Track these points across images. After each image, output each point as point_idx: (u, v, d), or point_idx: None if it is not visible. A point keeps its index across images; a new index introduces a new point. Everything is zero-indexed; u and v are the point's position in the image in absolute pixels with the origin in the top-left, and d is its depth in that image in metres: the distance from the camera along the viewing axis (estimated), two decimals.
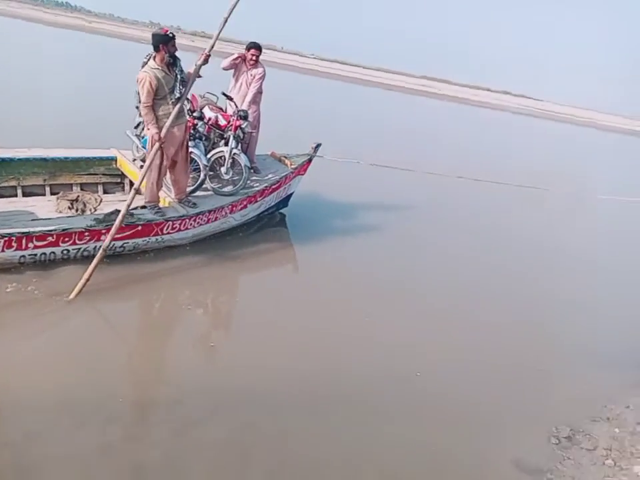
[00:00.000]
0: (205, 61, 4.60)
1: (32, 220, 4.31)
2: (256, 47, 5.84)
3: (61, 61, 20.45)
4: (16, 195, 5.33)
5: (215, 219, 5.30)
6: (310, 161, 6.51)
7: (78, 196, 5.57)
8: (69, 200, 5.44)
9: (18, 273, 4.05)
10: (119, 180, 5.98)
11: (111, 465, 2.67)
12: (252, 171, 6.08)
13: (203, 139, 5.63)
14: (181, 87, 4.61)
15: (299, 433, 3.15)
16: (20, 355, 3.34)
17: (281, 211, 6.74)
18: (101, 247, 4.25)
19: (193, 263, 5.01)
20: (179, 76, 4.60)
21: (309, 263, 5.92)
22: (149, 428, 3.08)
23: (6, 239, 3.89)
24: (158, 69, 4.49)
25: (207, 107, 5.86)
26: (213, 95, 6.04)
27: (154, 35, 4.50)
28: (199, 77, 4.73)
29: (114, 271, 4.47)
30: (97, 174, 5.85)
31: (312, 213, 7.15)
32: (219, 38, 4.52)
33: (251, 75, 5.90)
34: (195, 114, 5.49)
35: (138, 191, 4.51)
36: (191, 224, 5.02)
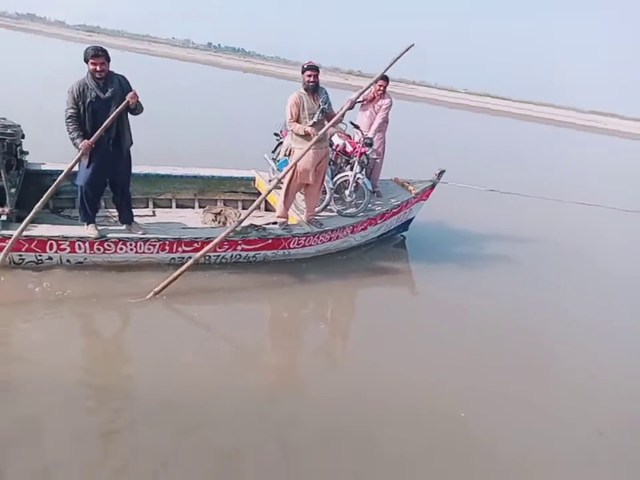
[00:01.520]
0: (351, 107, 4.99)
1: (182, 228, 5.04)
2: (383, 78, 6.19)
3: (227, 97, 23.31)
4: (171, 207, 6.22)
5: (337, 238, 5.69)
6: (433, 186, 6.66)
7: (221, 210, 6.31)
8: (213, 213, 6.19)
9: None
10: (256, 198, 6.65)
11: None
12: (375, 194, 6.42)
13: (331, 163, 6.11)
14: (320, 115, 5.07)
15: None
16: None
17: (401, 234, 6.97)
18: (237, 255, 4.97)
19: (314, 275, 5.42)
20: (322, 106, 5.08)
21: (426, 288, 5.95)
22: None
23: (161, 242, 4.63)
24: (304, 93, 5.06)
25: (336, 135, 6.33)
26: (342, 123, 6.49)
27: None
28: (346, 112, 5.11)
29: (240, 277, 5.04)
30: (237, 192, 6.60)
31: (432, 238, 7.23)
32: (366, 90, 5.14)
33: (379, 104, 6.28)
34: (327, 142, 5.97)
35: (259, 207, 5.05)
36: (314, 241, 5.46)
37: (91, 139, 4.08)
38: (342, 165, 6.26)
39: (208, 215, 6.13)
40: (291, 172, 5.27)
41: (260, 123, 7.08)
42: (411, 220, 6.79)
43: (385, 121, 6.39)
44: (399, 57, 4.84)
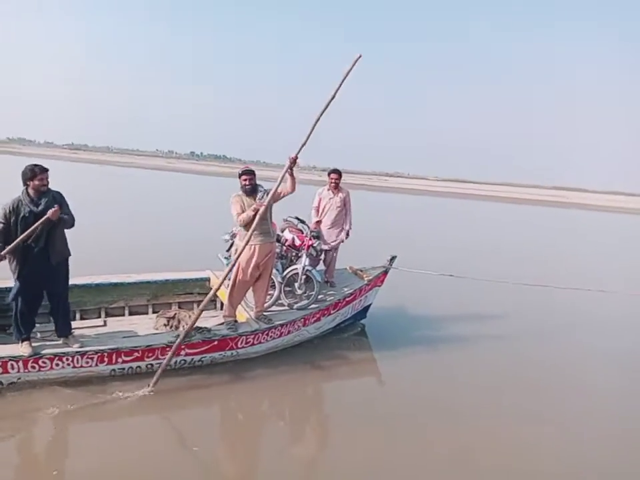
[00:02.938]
0: (293, 162, 4.97)
1: (122, 337, 4.96)
2: (335, 171, 6.56)
3: (193, 202, 24.14)
4: (124, 315, 6.17)
5: (288, 332, 5.62)
6: (386, 273, 6.72)
7: (175, 314, 6.25)
8: (166, 317, 6.12)
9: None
10: (212, 298, 6.63)
11: None
12: (329, 285, 6.47)
13: (282, 258, 6.22)
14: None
15: None
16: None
17: (360, 321, 6.91)
18: (181, 360, 4.88)
19: (273, 371, 5.29)
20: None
21: (391, 378, 5.75)
22: None
23: (99, 354, 4.54)
24: (242, 194, 5.25)
25: (286, 230, 6.48)
26: (294, 219, 6.66)
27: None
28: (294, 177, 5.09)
29: (192, 379, 4.89)
30: (192, 293, 6.58)
31: (392, 323, 7.19)
32: (305, 143, 4.94)
33: (340, 197, 6.52)
34: (275, 237, 6.09)
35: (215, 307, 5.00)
36: (264, 338, 5.38)
37: (4, 251, 4.13)
38: (292, 258, 6.35)
39: (160, 319, 6.06)
40: (235, 269, 5.32)
41: (219, 224, 7.21)
42: (368, 307, 6.78)
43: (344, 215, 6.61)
44: (349, 72, 4.86)
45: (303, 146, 4.97)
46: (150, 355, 4.74)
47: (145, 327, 5.82)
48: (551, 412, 5.05)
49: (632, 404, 5.45)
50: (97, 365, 4.56)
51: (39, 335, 5.04)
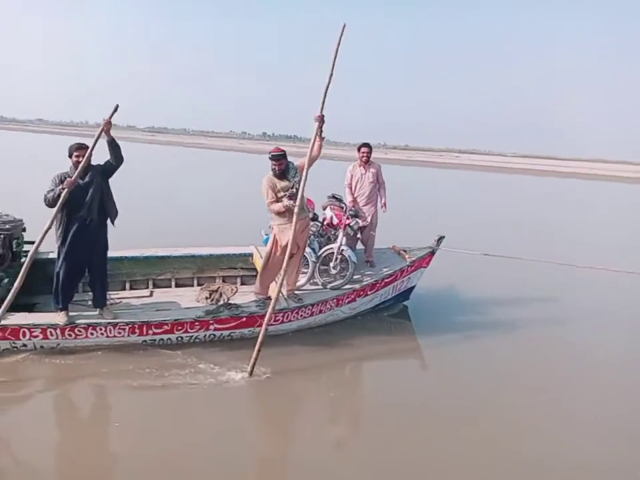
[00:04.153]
0: (321, 121, 4.99)
1: (156, 310, 5.18)
2: (365, 145, 6.41)
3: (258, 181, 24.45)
4: (170, 286, 6.45)
5: (320, 312, 5.58)
6: (432, 253, 6.44)
7: (218, 287, 6.46)
8: (209, 290, 6.33)
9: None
10: (254, 273, 6.75)
11: None
12: (369, 265, 6.32)
13: (318, 236, 6.15)
14: (294, 189, 5.08)
15: None
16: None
17: (403, 302, 6.72)
18: (210, 335, 5.07)
19: (309, 348, 5.31)
20: (292, 180, 5.15)
21: (433, 362, 5.54)
22: None
23: (130, 326, 4.79)
24: (271, 176, 5.23)
25: (328, 208, 6.38)
26: (332, 198, 6.51)
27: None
28: (323, 138, 5.10)
29: (226, 354, 4.94)
30: (236, 268, 6.74)
31: (437, 306, 6.91)
32: (324, 101, 5.01)
33: (371, 173, 6.37)
34: (309, 214, 6.02)
35: None
36: (294, 316, 5.40)
37: (74, 177, 4.43)
38: (331, 237, 6.26)
39: (203, 292, 6.26)
40: (269, 247, 5.36)
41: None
42: (412, 288, 6.55)
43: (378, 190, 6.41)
44: (339, 43, 4.97)
45: (323, 104, 5.00)
46: (179, 328, 4.93)
47: (188, 298, 6.04)
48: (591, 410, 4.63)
49: None
50: (129, 335, 4.83)
51: (90, 302, 5.38)
